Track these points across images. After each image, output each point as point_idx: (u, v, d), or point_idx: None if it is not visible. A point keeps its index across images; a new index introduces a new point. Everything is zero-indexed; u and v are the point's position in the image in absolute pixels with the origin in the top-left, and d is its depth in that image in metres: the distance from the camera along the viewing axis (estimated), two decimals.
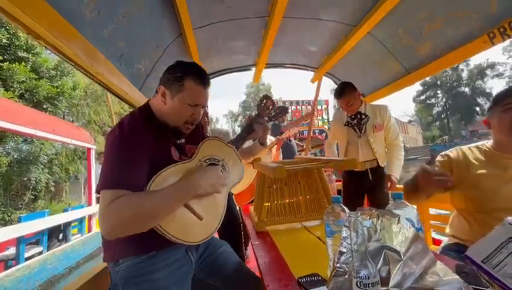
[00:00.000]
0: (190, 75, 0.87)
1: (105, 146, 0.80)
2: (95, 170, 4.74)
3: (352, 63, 2.35)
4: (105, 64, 1.22)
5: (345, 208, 0.72)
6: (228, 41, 2.11)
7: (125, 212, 0.69)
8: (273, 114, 1.33)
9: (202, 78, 0.89)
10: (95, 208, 4.50)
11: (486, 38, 1.39)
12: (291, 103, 8.56)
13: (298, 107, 8.60)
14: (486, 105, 34.68)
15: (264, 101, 1.30)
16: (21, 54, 8.65)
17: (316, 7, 1.77)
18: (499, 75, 36.48)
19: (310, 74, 2.72)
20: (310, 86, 2.97)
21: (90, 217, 4.47)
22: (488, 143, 1.11)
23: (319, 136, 7.23)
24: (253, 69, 2.57)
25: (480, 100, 36.95)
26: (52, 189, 10.26)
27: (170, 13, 1.54)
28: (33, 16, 0.79)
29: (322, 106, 8.60)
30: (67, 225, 4.19)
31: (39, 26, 0.82)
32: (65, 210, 4.24)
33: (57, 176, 10.21)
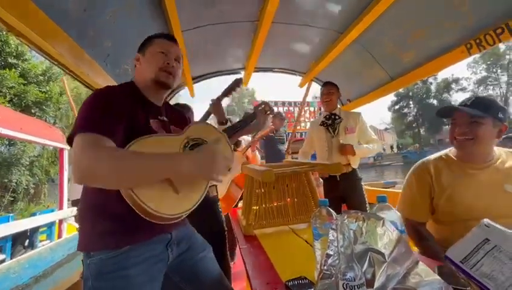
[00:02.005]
0: (158, 36, 0.94)
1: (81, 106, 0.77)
2: (69, 172, 4.50)
3: (339, 69, 2.41)
4: (90, 64, 1.19)
5: (332, 212, 0.73)
6: (217, 44, 2.11)
7: (103, 162, 0.65)
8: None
9: (168, 36, 0.96)
10: (66, 212, 4.22)
11: (464, 48, 1.47)
12: (283, 103, 8.25)
13: (291, 108, 8.34)
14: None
15: (263, 105, 1.34)
16: (11, 60, 9.02)
17: (304, 13, 1.80)
18: (463, 89, 40.23)
19: (295, 78, 2.77)
20: (294, 89, 3.01)
21: (60, 221, 4.16)
22: (450, 152, 1.14)
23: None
24: (242, 72, 2.58)
25: None
26: (32, 191, 10.24)
27: (159, 14, 1.53)
28: (15, 14, 0.76)
29: (314, 108, 8.39)
30: (35, 230, 3.91)
31: (21, 24, 0.79)
32: (33, 214, 4.00)
33: (37, 178, 10.26)
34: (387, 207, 0.71)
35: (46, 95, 10.00)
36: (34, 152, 9.87)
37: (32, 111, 9.50)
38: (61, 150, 4.44)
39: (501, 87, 37.17)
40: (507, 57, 35.79)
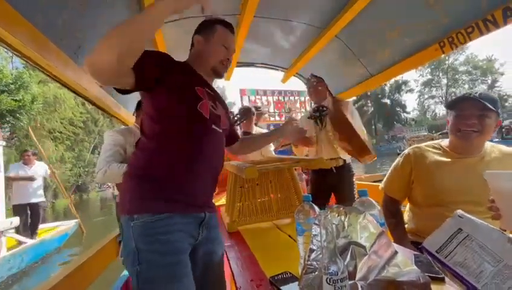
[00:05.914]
0: (219, 22, 0.98)
1: None
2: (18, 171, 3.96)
3: (320, 65, 2.43)
4: (58, 56, 1.11)
5: (315, 207, 0.74)
6: None
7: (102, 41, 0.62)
8: (237, 118, 1.32)
9: (229, 25, 1.00)
10: (4, 223, 3.46)
11: (438, 46, 1.53)
12: (272, 92, 7.64)
13: (280, 97, 7.88)
14: (403, 115, 44.39)
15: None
16: None
17: (286, 8, 1.79)
18: (411, 90, 44.82)
19: (268, 75, 2.76)
20: (273, 85, 2.99)
21: None
22: (443, 142, 1.18)
23: None
24: None
25: (398, 110, 44.93)
26: None
27: (134, 4, 1.45)
28: None
29: (305, 97, 7.91)
30: None
31: None
32: None
33: None
34: (368, 201, 0.72)
35: (20, 103, 10.42)
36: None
37: (7, 119, 10.02)
38: None
39: (442, 89, 41.54)
40: (447, 62, 39.62)
